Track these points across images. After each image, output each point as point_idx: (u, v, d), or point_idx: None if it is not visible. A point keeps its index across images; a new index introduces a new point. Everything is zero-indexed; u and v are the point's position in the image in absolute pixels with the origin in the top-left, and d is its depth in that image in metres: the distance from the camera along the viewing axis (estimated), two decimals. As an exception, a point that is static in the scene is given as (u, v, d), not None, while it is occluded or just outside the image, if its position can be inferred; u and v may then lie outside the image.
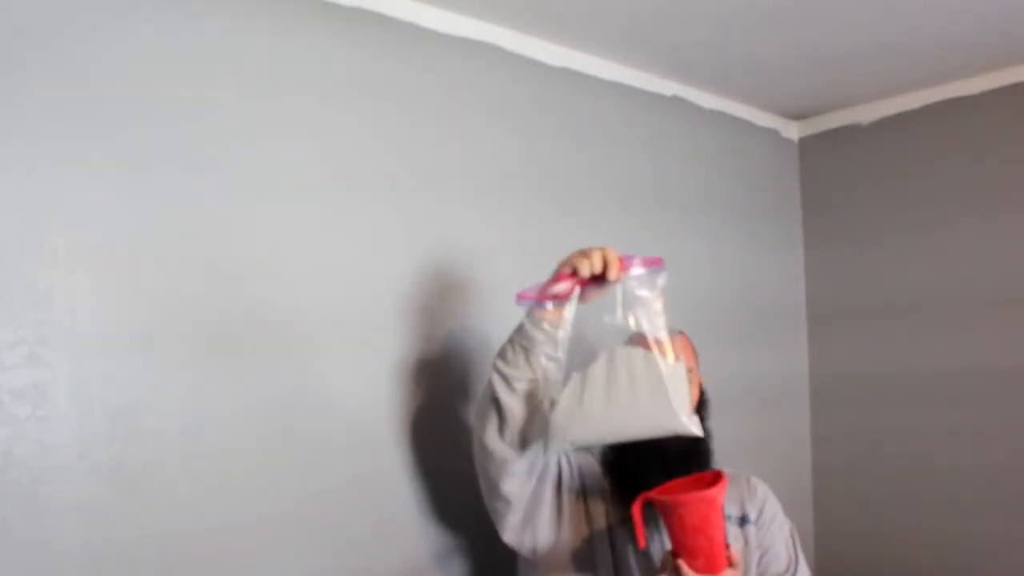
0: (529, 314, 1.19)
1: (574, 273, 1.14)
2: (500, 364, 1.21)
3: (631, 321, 1.14)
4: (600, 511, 1.33)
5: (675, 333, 1.25)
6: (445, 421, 1.59)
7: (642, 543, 1.20)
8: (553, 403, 1.13)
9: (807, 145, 2.51)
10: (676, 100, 2.14)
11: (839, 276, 2.41)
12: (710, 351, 1.96)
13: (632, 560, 1.30)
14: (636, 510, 1.19)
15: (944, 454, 2.16)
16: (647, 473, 1.25)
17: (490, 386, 1.22)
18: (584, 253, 1.15)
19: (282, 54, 1.43)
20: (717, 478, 1.18)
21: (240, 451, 1.33)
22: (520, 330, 1.20)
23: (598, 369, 1.14)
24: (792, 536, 1.41)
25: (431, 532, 1.55)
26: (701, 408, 1.37)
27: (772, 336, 2.36)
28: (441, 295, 1.61)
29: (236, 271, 1.35)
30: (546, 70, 1.84)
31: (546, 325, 1.17)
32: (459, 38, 1.68)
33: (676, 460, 1.26)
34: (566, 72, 1.88)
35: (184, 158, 1.31)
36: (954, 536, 2.12)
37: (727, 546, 1.18)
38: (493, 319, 1.68)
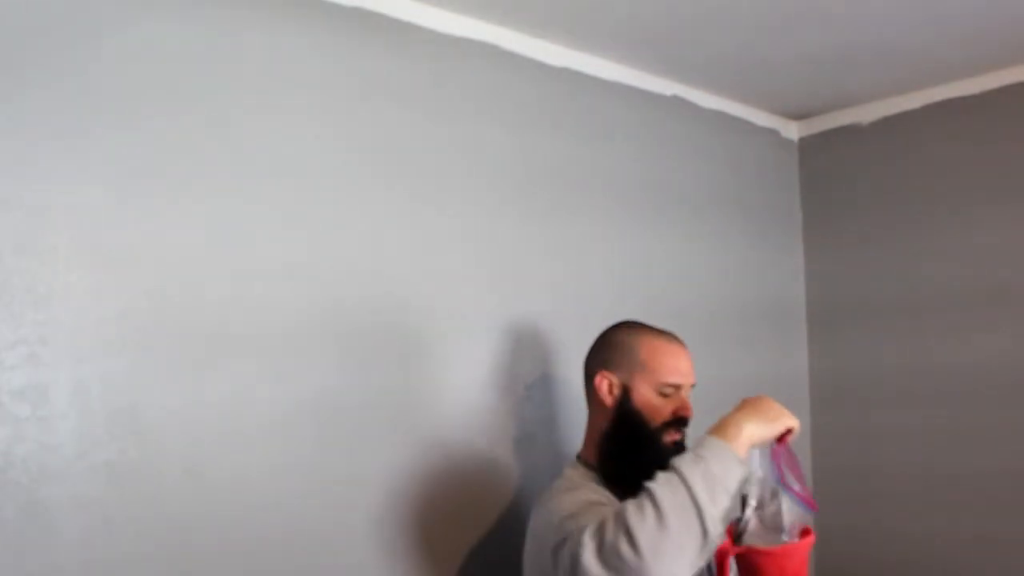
0: (743, 463, 1.09)
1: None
2: (720, 523, 1.03)
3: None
4: None
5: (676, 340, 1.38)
6: (446, 424, 1.59)
7: None
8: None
9: (807, 145, 2.51)
10: (676, 100, 2.14)
11: (839, 276, 2.41)
12: (710, 351, 1.97)
13: None
14: (727, 565, 1.15)
15: (944, 454, 2.16)
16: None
17: (697, 534, 1.01)
18: (785, 414, 1.19)
19: (282, 54, 1.43)
20: (806, 532, 1.18)
21: (240, 451, 1.33)
22: (737, 481, 1.07)
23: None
24: None
25: (436, 535, 1.55)
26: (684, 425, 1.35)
27: (772, 336, 2.36)
28: (440, 296, 1.61)
29: (236, 270, 1.35)
30: (546, 70, 1.84)
31: None
32: (459, 38, 1.69)
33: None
34: (566, 72, 1.88)
35: (184, 157, 1.31)
36: (954, 535, 2.12)
37: None
38: (493, 318, 1.68)
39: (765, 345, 2.32)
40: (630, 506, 1.03)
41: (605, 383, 1.36)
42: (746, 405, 1.17)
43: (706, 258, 2.17)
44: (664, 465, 1.08)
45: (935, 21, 1.78)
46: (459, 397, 1.61)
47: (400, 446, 1.52)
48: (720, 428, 1.12)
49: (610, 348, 1.39)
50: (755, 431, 1.13)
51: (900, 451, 2.23)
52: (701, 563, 1.03)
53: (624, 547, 0.99)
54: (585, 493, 1.24)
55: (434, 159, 1.62)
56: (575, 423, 1.72)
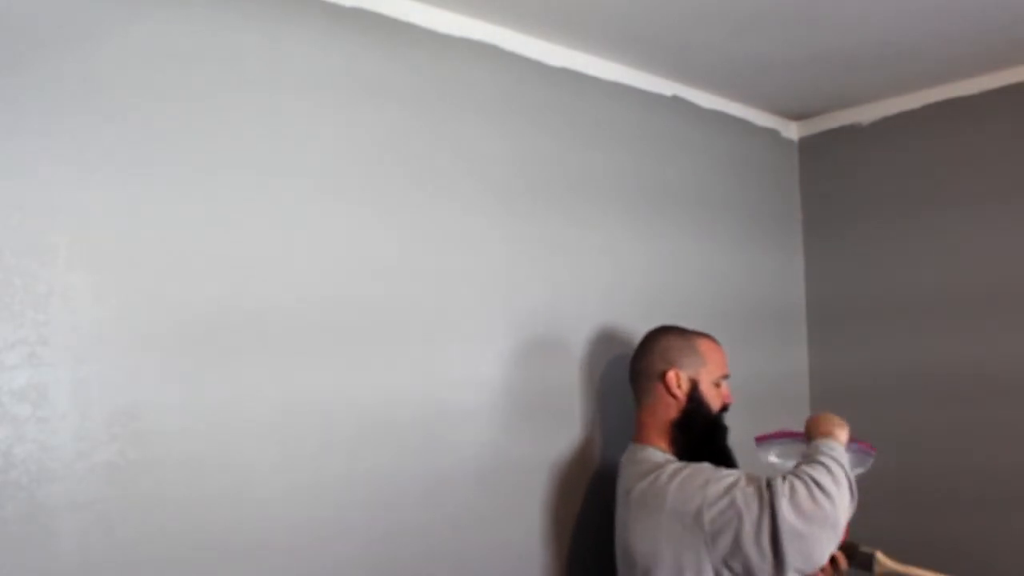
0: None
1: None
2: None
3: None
4: None
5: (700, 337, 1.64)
6: (447, 426, 1.59)
7: None
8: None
9: (807, 145, 2.51)
10: (676, 100, 2.14)
11: (839, 276, 2.41)
12: (710, 351, 1.97)
13: None
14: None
15: (944, 453, 2.16)
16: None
17: (849, 491, 1.39)
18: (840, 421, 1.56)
19: (281, 53, 1.43)
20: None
21: (240, 451, 1.33)
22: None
23: None
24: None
25: (441, 538, 1.55)
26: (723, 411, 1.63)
27: (772, 336, 2.36)
28: (439, 296, 1.61)
29: (236, 270, 1.35)
30: (546, 70, 1.84)
31: None
32: (459, 38, 1.69)
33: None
34: (566, 72, 1.88)
35: (184, 157, 1.31)
36: (954, 535, 2.12)
37: None
38: (494, 317, 1.68)
39: (765, 344, 2.33)
40: (815, 470, 1.36)
41: (677, 378, 1.57)
42: (826, 421, 1.54)
43: (706, 258, 2.17)
44: (725, 443, 1.58)
45: (935, 21, 1.78)
46: (463, 401, 1.61)
47: (404, 448, 1.52)
48: (830, 435, 1.49)
49: (673, 349, 1.60)
50: (842, 434, 1.52)
51: (900, 451, 2.23)
52: (851, 513, 1.38)
53: (820, 497, 1.32)
54: (715, 470, 1.44)
55: (434, 159, 1.62)
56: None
